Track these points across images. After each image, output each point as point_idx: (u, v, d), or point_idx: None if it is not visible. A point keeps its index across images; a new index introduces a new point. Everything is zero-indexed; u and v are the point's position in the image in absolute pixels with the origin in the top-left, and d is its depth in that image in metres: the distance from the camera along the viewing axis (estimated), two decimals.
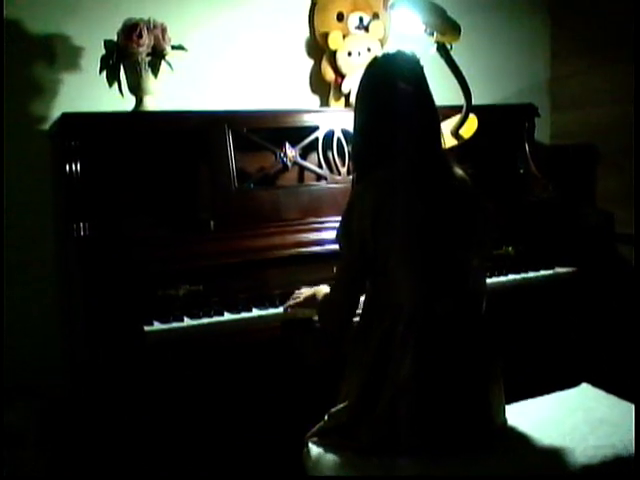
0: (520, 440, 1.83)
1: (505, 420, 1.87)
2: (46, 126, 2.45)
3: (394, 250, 1.75)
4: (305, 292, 2.12)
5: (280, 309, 2.14)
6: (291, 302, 2.13)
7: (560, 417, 1.94)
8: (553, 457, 1.76)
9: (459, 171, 1.88)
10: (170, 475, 2.08)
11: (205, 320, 2.04)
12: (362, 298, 1.88)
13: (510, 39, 3.25)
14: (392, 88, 1.83)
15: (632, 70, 2.79)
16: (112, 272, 1.99)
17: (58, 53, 2.48)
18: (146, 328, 1.97)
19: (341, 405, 1.85)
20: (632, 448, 1.77)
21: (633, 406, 1.99)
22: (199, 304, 2.09)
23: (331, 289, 1.94)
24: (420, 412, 1.72)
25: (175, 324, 2.01)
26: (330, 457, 1.78)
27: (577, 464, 1.73)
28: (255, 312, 2.12)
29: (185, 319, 2.03)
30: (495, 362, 1.84)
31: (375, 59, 1.95)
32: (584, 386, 2.16)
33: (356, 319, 1.89)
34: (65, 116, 2.22)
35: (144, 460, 2.01)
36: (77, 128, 2.20)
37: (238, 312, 2.10)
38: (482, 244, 1.88)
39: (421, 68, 1.89)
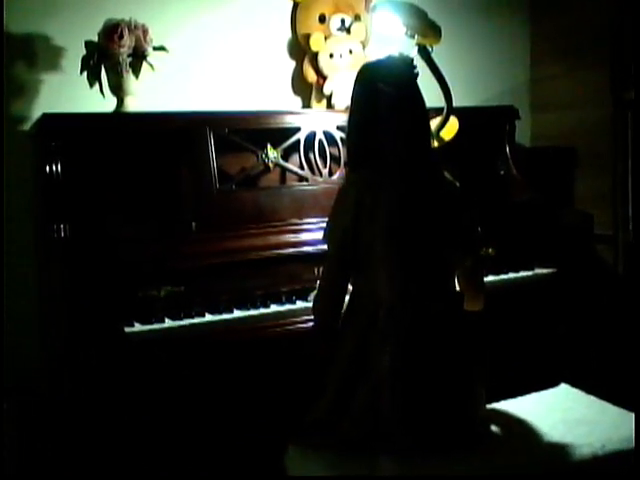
0: (500, 439, 1.85)
1: (486, 418, 1.89)
2: (27, 126, 2.44)
3: (374, 247, 1.79)
4: None
5: (261, 310, 2.15)
6: None
7: (539, 417, 1.96)
8: (532, 456, 1.78)
9: (447, 175, 1.91)
10: (149, 474, 2.07)
11: (186, 321, 2.05)
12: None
13: (491, 42, 3.27)
14: (373, 91, 1.85)
15: (609, 73, 2.82)
16: (92, 273, 1.98)
17: (39, 53, 2.47)
18: (127, 329, 1.96)
19: (321, 400, 1.86)
20: (609, 447, 1.79)
21: (610, 405, 2.03)
22: (180, 305, 2.08)
23: (318, 284, 1.96)
24: (398, 409, 1.73)
25: (156, 325, 2.01)
26: (311, 458, 1.79)
27: (555, 463, 1.76)
28: (236, 313, 2.12)
29: (166, 320, 2.04)
30: (478, 360, 1.86)
31: (364, 64, 1.99)
32: (563, 386, 2.19)
33: None
34: (46, 116, 2.22)
35: (124, 459, 2.01)
36: (58, 129, 2.19)
37: (219, 313, 2.10)
38: (470, 244, 1.91)
39: (409, 71, 1.91)
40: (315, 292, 2.00)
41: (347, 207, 1.81)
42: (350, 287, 1.90)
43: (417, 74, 1.94)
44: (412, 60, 1.91)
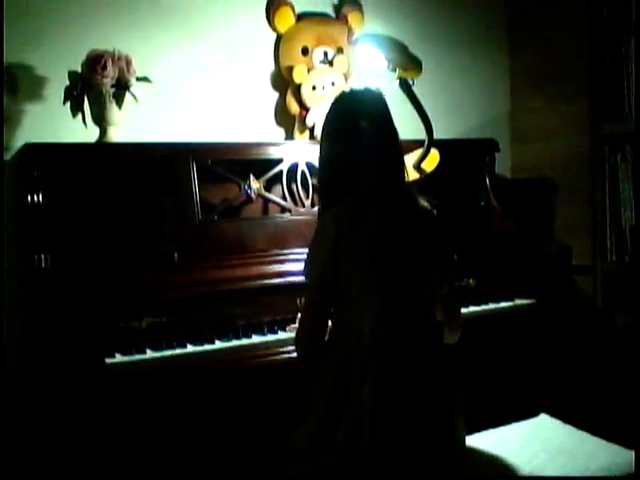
0: (479, 468, 1.86)
1: (465, 449, 1.89)
2: (8, 156, 2.43)
3: (354, 279, 1.79)
4: None
5: (243, 340, 2.15)
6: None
7: (519, 447, 1.97)
8: None
9: (423, 202, 1.93)
10: None
11: (168, 352, 2.04)
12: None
13: (470, 74, 3.31)
14: (353, 124, 1.87)
15: (587, 105, 2.87)
16: (73, 304, 1.97)
17: (21, 83, 2.46)
18: (108, 360, 1.95)
19: (303, 431, 1.86)
20: (587, 476, 1.80)
21: (589, 435, 2.05)
22: (162, 336, 2.08)
23: (300, 317, 1.97)
24: (380, 439, 1.73)
25: (137, 356, 2.00)
26: None
27: None
28: (218, 344, 2.12)
29: (148, 351, 2.03)
30: (456, 390, 1.87)
31: (341, 95, 1.99)
32: (542, 416, 2.20)
33: None
34: (28, 146, 2.22)
35: None
36: (40, 158, 2.20)
37: (201, 344, 2.09)
38: (445, 274, 1.93)
39: (386, 105, 1.93)
40: (297, 325, 2.00)
41: (327, 241, 1.81)
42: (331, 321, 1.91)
43: (386, 104, 1.97)
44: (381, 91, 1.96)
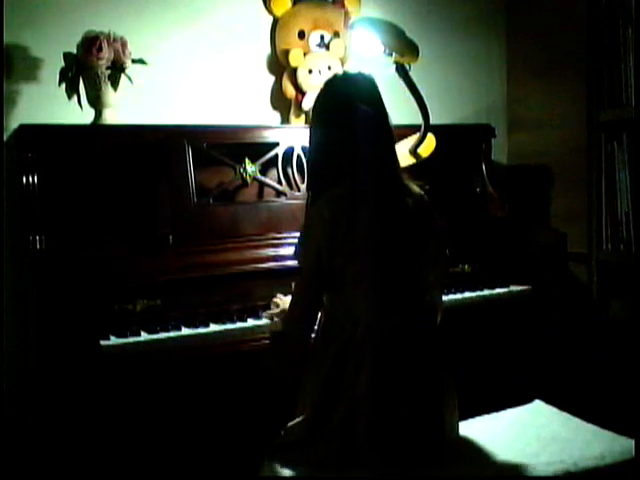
0: (473, 456, 1.86)
1: (458, 435, 1.89)
2: (4, 137, 2.42)
3: (350, 266, 1.79)
4: (283, 301, 2.13)
5: (238, 324, 2.14)
6: (275, 311, 2.13)
7: (513, 434, 1.98)
8: (503, 472, 1.78)
9: (415, 188, 1.92)
10: None
11: (162, 335, 2.03)
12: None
13: (468, 61, 3.30)
14: (352, 108, 1.85)
15: (584, 93, 2.86)
16: (67, 286, 1.96)
17: (16, 64, 2.45)
18: (102, 342, 1.95)
19: (297, 419, 1.86)
20: (582, 464, 1.80)
21: (584, 422, 2.05)
22: (157, 319, 2.07)
23: (290, 303, 1.96)
24: (375, 426, 1.73)
25: (132, 339, 1.99)
26: (286, 473, 1.78)
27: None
28: (213, 327, 2.11)
29: (142, 334, 2.02)
30: (448, 377, 1.87)
31: (334, 77, 1.98)
32: (537, 403, 2.20)
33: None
34: (22, 128, 2.21)
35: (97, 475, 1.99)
36: (34, 140, 2.19)
37: (196, 327, 2.09)
38: (437, 260, 1.93)
39: (377, 89, 1.92)
40: (287, 312, 2.00)
41: (322, 227, 1.80)
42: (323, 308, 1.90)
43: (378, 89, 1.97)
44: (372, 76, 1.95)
